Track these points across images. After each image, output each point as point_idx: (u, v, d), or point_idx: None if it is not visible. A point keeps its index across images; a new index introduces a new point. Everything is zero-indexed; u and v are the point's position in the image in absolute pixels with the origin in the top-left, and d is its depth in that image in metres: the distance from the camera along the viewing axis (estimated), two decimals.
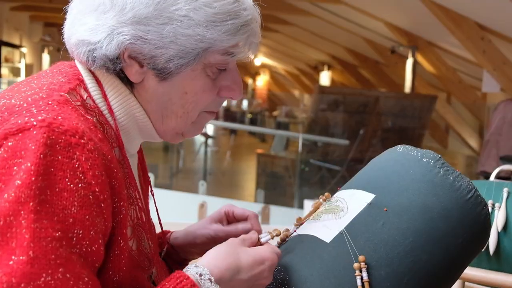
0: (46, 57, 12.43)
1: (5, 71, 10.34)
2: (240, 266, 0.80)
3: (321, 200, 0.97)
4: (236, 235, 0.95)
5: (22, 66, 10.80)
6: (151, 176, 5.11)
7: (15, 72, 10.60)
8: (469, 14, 5.04)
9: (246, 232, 0.94)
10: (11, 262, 0.63)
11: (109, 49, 0.79)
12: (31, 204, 0.65)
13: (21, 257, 0.63)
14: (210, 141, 8.36)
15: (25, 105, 0.73)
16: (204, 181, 6.24)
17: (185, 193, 5.80)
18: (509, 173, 3.19)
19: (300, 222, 0.95)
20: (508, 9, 4.43)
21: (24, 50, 10.99)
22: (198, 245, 1.02)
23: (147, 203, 0.97)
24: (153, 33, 0.79)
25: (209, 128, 9.32)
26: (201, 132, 0.92)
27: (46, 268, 0.64)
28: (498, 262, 1.25)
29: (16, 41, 10.79)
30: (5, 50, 10.26)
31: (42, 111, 0.72)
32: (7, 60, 10.42)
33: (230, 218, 1.01)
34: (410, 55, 7.00)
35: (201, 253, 1.04)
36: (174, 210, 4.84)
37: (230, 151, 10.20)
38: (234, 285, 0.79)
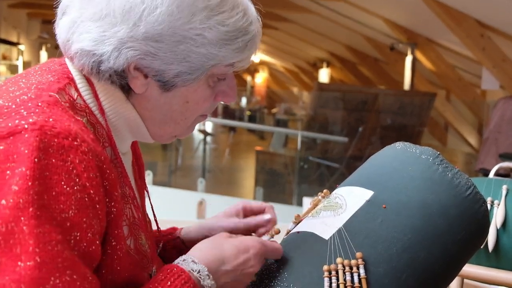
0: (44, 55, 12.42)
1: (2, 68, 10.33)
2: (224, 256, 0.81)
3: (320, 197, 0.97)
4: (255, 226, 1.00)
5: (20, 63, 10.79)
6: (150, 174, 5.11)
7: (13, 69, 10.58)
8: (468, 11, 5.04)
9: (263, 222, 1.00)
10: (17, 269, 0.62)
11: (116, 62, 0.77)
12: (30, 209, 0.64)
13: (28, 263, 0.63)
14: (209, 138, 8.36)
15: (13, 106, 0.72)
16: (203, 179, 6.23)
17: (184, 190, 5.80)
18: (508, 170, 3.19)
19: (298, 220, 0.95)
20: (508, 7, 4.43)
21: (22, 47, 10.99)
22: None
23: (143, 201, 0.97)
24: (165, 50, 0.78)
25: (208, 126, 9.32)
26: (199, 130, 0.93)
27: (54, 271, 0.64)
28: (497, 259, 1.24)
29: (13, 39, 10.78)
30: (3, 48, 10.26)
31: (32, 113, 0.70)
32: (4, 58, 10.42)
33: (247, 212, 1.04)
34: (409, 52, 7.00)
35: None
36: (173, 208, 4.83)
37: (229, 148, 10.20)
38: (220, 276, 0.80)
